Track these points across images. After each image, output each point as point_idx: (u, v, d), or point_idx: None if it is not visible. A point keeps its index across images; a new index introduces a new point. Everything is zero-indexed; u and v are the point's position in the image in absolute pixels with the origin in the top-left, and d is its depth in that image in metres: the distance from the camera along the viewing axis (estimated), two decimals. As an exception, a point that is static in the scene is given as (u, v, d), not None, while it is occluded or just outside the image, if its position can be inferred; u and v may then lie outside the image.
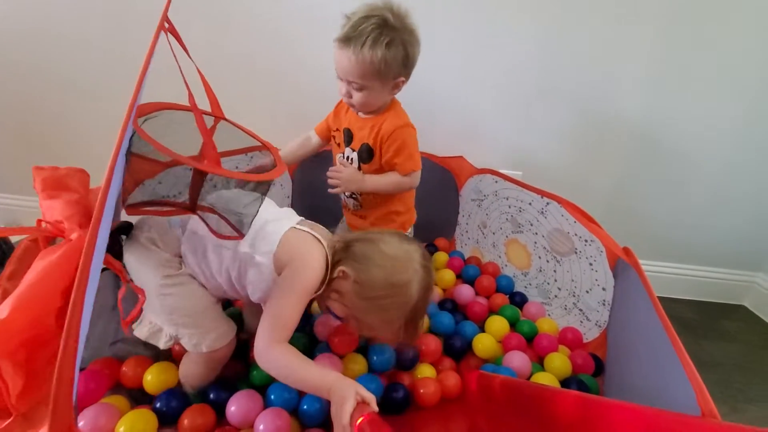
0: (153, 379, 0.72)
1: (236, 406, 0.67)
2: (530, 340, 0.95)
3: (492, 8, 1.08)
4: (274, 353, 0.58)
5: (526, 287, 1.11)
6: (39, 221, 0.39)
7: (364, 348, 0.83)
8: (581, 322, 0.97)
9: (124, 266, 0.63)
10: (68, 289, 0.33)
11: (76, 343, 0.31)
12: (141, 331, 0.65)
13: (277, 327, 0.59)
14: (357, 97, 0.84)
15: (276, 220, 0.67)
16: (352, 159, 0.94)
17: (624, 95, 1.15)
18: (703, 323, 1.27)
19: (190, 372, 0.71)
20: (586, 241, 0.92)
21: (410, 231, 1.06)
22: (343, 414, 0.50)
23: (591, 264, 0.92)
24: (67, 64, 1.14)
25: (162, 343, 0.65)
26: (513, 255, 1.14)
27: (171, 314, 0.64)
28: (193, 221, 0.64)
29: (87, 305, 0.33)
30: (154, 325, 0.65)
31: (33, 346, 0.31)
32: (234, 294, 0.69)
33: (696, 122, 1.17)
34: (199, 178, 0.56)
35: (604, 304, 0.91)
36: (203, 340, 0.66)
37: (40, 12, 1.09)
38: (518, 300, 1.08)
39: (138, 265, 0.63)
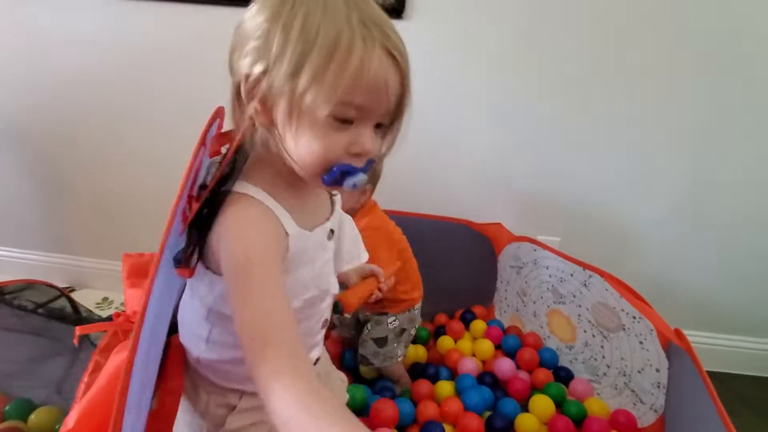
0: None
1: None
2: (579, 422, 0.89)
3: (521, 72, 1.11)
4: (273, 396, 0.31)
5: (571, 362, 1.06)
6: (116, 314, 0.42)
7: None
8: (634, 404, 0.91)
9: None
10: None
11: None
12: None
13: (257, 342, 0.34)
14: None
15: None
16: None
17: (663, 159, 1.14)
18: (771, 403, 1.15)
19: None
20: (634, 317, 0.88)
21: (418, 309, 1.02)
22: None
23: (641, 342, 0.88)
24: (138, 141, 1.27)
25: None
26: (556, 326, 1.10)
27: None
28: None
29: (133, 400, 0.34)
30: None
31: (97, 453, 0.33)
32: None
33: (742, 185, 1.13)
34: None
35: (658, 387, 0.85)
36: None
37: (116, 84, 1.22)
38: (563, 376, 1.02)
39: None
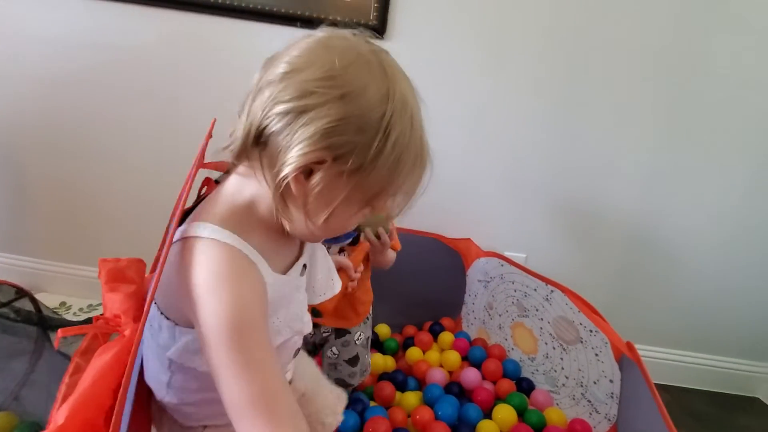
0: None
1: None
2: (539, 431, 0.93)
3: (495, 94, 1.17)
4: None
5: (533, 373, 1.11)
6: (96, 318, 0.42)
7: None
8: (590, 414, 0.96)
9: None
10: (118, 388, 0.36)
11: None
12: None
13: (260, 410, 0.34)
14: None
15: None
16: None
17: (623, 185, 1.22)
18: (718, 416, 1.24)
19: None
20: (591, 331, 0.94)
21: (369, 319, 0.99)
22: None
23: (597, 354, 0.93)
24: (104, 146, 1.24)
25: None
26: (519, 339, 1.15)
27: None
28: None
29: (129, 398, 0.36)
30: None
31: (82, 449, 0.33)
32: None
33: (694, 211, 1.22)
34: None
35: (612, 397, 0.91)
36: None
37: (94, 85, 1.19)
38: (525, 386, 1.07)
39: None
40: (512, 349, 1.17)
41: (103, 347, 0.37)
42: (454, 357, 1.13)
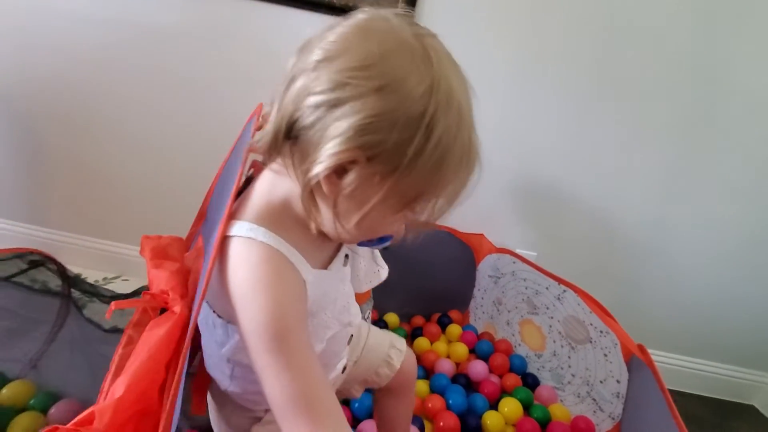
0: None
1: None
2: (543, 425, 0.96)
3: (512, 96, 1.17)
4: None
5: (539, 369, 1.13)
6: (144, 293, 0.42)
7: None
8: (594, 412, 0.98)
9: None
10: (171, 361, 0.37)
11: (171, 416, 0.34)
12: None
13: (300, 409, 0.34)
14: None
15: None
16: None
17: (632, 191, 1.23)
18: (714, 422, 1.26)
19: None
20: (601, 332, 0.96)
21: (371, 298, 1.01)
22: None
23: (605, 355, 0.95)
24: (127, 122, 1.24)
25: None
26: (527, 335, 1.17)
27: None
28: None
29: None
30: None
31: (138, 419, 0.33)
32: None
33: (699, 218, 1.23)
34: None
35: (618, 397, 0.93)
36: None
37: (117, 66, 1.19)
38: (530, 382, 1.09)
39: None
40: (519, 345, 1.19)
41: (153, 322, 0.38)
42: (461, 349, 1.14)
